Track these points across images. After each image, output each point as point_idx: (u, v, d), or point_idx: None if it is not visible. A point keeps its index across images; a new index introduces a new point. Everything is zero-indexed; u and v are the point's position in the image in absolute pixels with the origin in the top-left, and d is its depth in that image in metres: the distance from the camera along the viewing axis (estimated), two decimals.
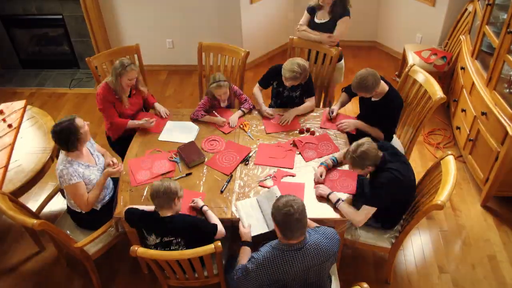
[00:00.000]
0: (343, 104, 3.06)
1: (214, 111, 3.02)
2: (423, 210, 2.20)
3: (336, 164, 2.60)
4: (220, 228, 2.24)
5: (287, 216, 1.79)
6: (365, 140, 2.25)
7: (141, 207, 2.29)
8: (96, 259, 2.57)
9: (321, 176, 2.50)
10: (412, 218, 2.30)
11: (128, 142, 2.88)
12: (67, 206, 2.61)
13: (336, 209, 2.35)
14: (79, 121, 2.34)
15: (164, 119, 3.04)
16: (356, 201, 2.40)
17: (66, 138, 2.30)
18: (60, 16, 4.51)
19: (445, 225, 3.00)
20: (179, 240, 2.16)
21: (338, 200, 2.35)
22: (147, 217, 2.20)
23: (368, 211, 2.27)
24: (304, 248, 1.85)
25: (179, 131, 2.92)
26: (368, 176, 2.44)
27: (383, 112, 2.75)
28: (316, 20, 3.24)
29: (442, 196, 2.11)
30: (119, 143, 3.02)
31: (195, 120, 2.99)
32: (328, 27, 3.20)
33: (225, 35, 4.43)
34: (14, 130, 3.03)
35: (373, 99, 2.77)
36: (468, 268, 2.73)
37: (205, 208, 2.34)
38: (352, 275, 2.70)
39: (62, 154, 2.40)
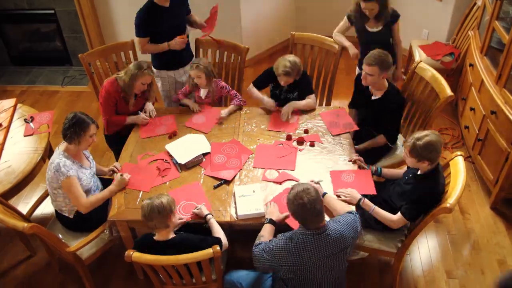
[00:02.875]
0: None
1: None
2: (431, 213, 2.13)
3: (378, 173, 2.52)
4: (224, 242, 2.12)
5: (300, 207, 1.84)
6: (432, 131, 2.13)
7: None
8: (89, 264, 2.51)
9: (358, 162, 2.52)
10: (419, 222, 2.23)
11: (124, 139, 2.82)
12: (55, 211, 2.52)
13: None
14: (93, 128, 2.36)
15: (153, 119, 2.93)
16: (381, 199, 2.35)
17: (74, 126, 2.28)
18: (53, 11, 4.42)
19: (453, 229, 2.94)
20: None
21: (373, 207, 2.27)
22: (145, 244, 2.06)
23: (404, 220, 2.21)
24: (324, 234, 1.87)
25: (190, 145, 2.72)
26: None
27: (385, 110, 2.68)
28: (369, 29, 3.10)
29: (451, 199, 2.06)
30: (115, 140, 2.96)
31: (174, 102, 3.19)
32: (382, 36, 3.09)
33: (223, 30, 4.31)
34: (4, 130, 2.96)
35: (373, 97, 2.71)
36: (477, 273, 2.67)
37: (209, 216, 2.22)
38: (357, 280, 2.64)
39: (58, 150, 2.34)
